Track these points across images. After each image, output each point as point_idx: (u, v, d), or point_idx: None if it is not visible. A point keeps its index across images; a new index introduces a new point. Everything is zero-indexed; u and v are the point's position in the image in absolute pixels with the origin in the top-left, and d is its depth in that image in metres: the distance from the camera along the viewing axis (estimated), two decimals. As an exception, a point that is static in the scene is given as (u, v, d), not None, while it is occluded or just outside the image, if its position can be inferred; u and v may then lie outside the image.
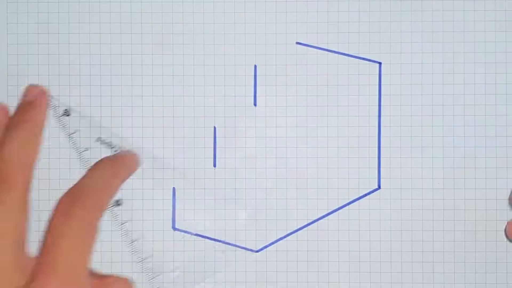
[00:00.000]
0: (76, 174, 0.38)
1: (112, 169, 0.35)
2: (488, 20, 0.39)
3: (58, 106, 0.39)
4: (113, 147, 0.38)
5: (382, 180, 0.39)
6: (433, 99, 0.39)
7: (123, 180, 0.36)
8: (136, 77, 0.39)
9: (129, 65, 0.39)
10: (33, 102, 0.37)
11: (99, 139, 0.38)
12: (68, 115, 0.39)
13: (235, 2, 0.39)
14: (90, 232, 0.32)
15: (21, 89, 0.37)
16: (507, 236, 0.38)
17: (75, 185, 0.34)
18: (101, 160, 0.36)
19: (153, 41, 0.39)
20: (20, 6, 0.39)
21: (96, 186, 0.34)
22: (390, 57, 0.39)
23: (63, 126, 0.39)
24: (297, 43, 0.39)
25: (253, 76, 0.39)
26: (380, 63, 0.39)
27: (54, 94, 0.39)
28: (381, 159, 0.39)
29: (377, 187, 0.39)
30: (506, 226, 0.38)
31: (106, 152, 0.39)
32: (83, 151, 0.39)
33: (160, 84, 0.39)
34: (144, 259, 0.39)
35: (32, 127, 0.35)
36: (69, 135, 0.39)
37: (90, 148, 0.39)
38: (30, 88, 0.37)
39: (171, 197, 0.39)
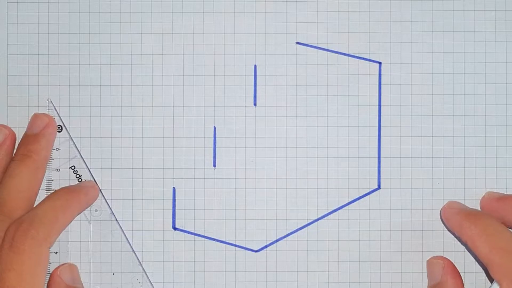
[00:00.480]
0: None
1: (66, 201, 0.36)
2: (488, 20, 0.39)
3: (53, 117, 0.39)
4: (80, 180, 0.39)
5: (382, 180, 0.39)
6: (433, 99, 0.39)
7: (77, 212, 0.37)
8: (136, 77, 0.39)
9: (129, 65, 0.39)
10: (38, 135, 0.37)
11: (72, 167, 0.39)
12: (59, 131, 0.39)
13: (235, 2, 0.39)
14: (37, 263, 0.33)
15: (29, 117, 0.38)
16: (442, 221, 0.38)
17: (27, 214, 0.34)
18: (57, 191, 0.37)
19: (153, 41, 0.39)
20: (20, 6, 0.39)
21: (44, 218, 0.34)
22: (390, 57, 0.39)
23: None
24: (297, 43, 0.39)
25: (253, 76, 0.39)
26: (380, 63, 0.39)
27: (53, 98, 0.39)
28: (381, 159, 0.39)
29: (377, 187, 0.39)
30: (440, 212, 0.38)
31: (73, 180, 0.39)
32: (53, 170, 0.39)
33: (160, 84, 0.39)
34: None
35: (34, 162, 0.36)
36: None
37: (60, 170, 0.39)
38: (36, 118, 0.38)
39: (171, 197, 0.39)
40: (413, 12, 0.39)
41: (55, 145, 0.39)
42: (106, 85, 0.39)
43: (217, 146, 0.39)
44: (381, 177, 0.39)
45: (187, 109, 0.39)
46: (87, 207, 0.38)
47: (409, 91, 0.39)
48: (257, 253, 0.39)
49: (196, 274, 0.39)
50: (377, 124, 0.39)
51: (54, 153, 0.39)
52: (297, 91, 0.39)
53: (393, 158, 0.39)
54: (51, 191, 0.38)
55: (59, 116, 0.39)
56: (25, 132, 0.38)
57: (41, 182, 0.37)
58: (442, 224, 0.39)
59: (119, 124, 0.39)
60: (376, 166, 0.39)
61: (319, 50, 0.39)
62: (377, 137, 0.39)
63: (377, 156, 0.39)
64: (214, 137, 0.39)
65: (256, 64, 0.39)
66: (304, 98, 0.39)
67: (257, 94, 0.39)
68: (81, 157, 0.39)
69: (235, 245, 0.39)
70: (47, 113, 0.39)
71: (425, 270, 0.39)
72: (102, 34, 0.39)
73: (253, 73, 0.39)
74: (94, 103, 0.39)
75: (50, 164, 0.38)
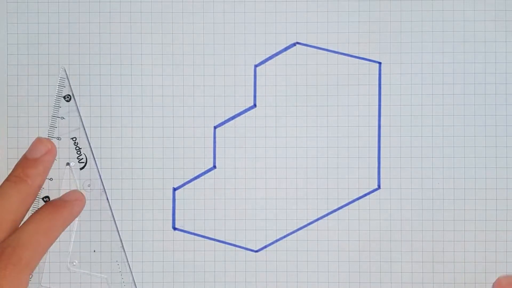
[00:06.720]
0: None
1: (51, 222, 0.35)
2: (488, 20, 0.39)
3: (64, 87, 0.39)
4: (79, 153, 0.39)
5: (382, 180, 0.39)
6: (433, 99, 0.39)
7: (62, 231, 0.37)
8: (136, 77, 0.39)
9: (129, 65, 0.39)
10: (37, 161, 0.37)
11: (73, 138, 0.39)
12: (68, 101, 0.39)
13: (235, 2, 0.39)
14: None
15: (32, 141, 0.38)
16: None
17: (11, 237, 0.34)
18: (42, 210, 0.36)
19: (153, 41, 0.39)
20: (20, 6, 0.39)
21: (28, 244, 0.34)
22: (390, 57, 0.39)
23: (52, 127, 0.39)
24: (297, 43, 0.39)
25: (253, 76, 0.39)
26: (380, 63, 0.39)
27: (53, 98, 0.39)
28: (381, 159, 0.39)
29: (377, 187, 0.39)
30: (494, 284, 0.37)
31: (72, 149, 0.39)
32: (54, 138, 0.39)
33: (160, 84, 0.39)
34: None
35: (27, 187, 0.36)
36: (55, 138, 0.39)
37: (62, 139, 0.39)
38: (39, 142, 0.37)
39: (171, 197, 0.39)
40: (413, 12, 0.39)
41: (60, 113, 0.38)
42: (106, 85, 0.39)
43: (217, 146, 0.39)
44: (381, 177, 0.39)
45: (187, 109, 0.39)
46: (72, 221, 0.38)
47: (409, 91, 0.39)
48: (257, 253, 0.39)
49: (196, 274, 0.39)
50: (377, 124, 0.39)
51: (58, 122, 0.39)
52: (297, 91, 0.39)
53: (393, 158, 0.39)
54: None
55: (69, 85, 0.39)
56: (25, 155, 0.37)
57: (29, 208, 0.36)
58: (442, 224, 0.39)
59: (119, 124, 0.39)
60: (376, 166, 0.39)
61: (319, 50, 0.39)
62: (377, 137, 0.39)
63: (377, 156, 0.39)
64: (214, 137, 0.39)
65: (256, 64, 0.39)
66: (304, 98, 0.39)
67: (257, 94, 0.39)
68: (84, 127, 0.39)
69: (235, 245, 0.39)
70: (58, 84, 0.38)
71: (424, 270, 0.39)
72: (102, 34, 0.39)
73: (253, 73, 0.39)
74: (94, 103, 0.39)
75: (52, 133, 0.38)
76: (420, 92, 0.39)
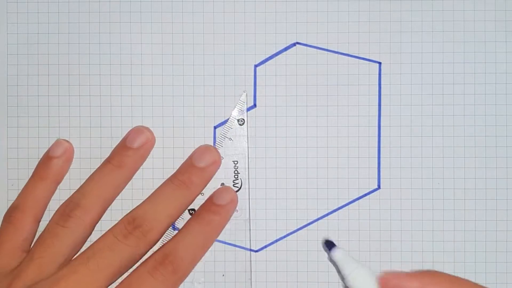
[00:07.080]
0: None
1: (206, 240, 0.36)
2: (488, 20, 0.39)
3: (241, 110, 0.39)
4: (236, 177, 0.38)
5: (382, 180, 0.39)
6: (433, 99, 0.39)
7: (217, 237, 0.37)
8: (136, 77, 0.39)
9: (129, 65, 0.39)
10: (204, 170, 0.37)
11: (222, 185, 0.38)
12: (241, 125, 0.38)
13: (235, 2, 0.39)
14: None
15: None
16: None
17: (170, 246, 0.34)
18: (199, 220, 0.36)
19: (153, 41, 0.39)
20: (20, 6, 0.39)
21: (187, 254, 0.35)
22: (390, 57, 0.39)
23: (218, 145, 0.39)
24: (297, 43, 0.39)
25: (253, 76, 0.39)
26: (380, 63, 0.39)
27: (53, 98, 0.39)
28: (381, 159, 0.39)
29: (377, 187, 0.39)
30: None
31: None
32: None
33: (160, 84, 0.39)
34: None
35: (190, 194, 0.36)
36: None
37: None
38: (206, 151, 0.37)
39: (171, 197, 0.39)
40: (413, 12, 0.39)
41: (230, 135, 0.38)
42: (106, 85, 0.39)
43: (217, 146, 0.39)
44: (381, 177, 0.39)
45: (187, 109, 0.39)
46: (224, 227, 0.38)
47: (409, 91, 0.39)
48: (257, 253, 0.39)
49: (196, 274, 0.39)
50: (377, 124, 0.39)
51: (226, 142, 0.39)
52: (297, 91, 0.39)
53: (393, 158, 0.39)
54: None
55: (246, 111, 0.39)
56: (191, 161, 0.37)
57: (180, 214, 0.37)
58: (442, 224, 0.39)
59: (119, 124, 0.39)
60: (376, 166, 0.39)
61: (319, 50, 0.39)
62: (377, 137, 0.39)
63: (377, 156, 0.39)
64: (214, 137, 0.39)
65: (256, 64, 0.39)
66: (304, 98, 0.39)
67: (257, 94, 0.39)
68: (248, 156, 0.39)
69: (235, 245, 0.39)
70: (236, 106, 0.38)
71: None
72: (102, 34, 0.39)
73: (253, 73, 0.39)
74: (94, 103, 0.39)
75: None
76: (420, 92, 0.39)
